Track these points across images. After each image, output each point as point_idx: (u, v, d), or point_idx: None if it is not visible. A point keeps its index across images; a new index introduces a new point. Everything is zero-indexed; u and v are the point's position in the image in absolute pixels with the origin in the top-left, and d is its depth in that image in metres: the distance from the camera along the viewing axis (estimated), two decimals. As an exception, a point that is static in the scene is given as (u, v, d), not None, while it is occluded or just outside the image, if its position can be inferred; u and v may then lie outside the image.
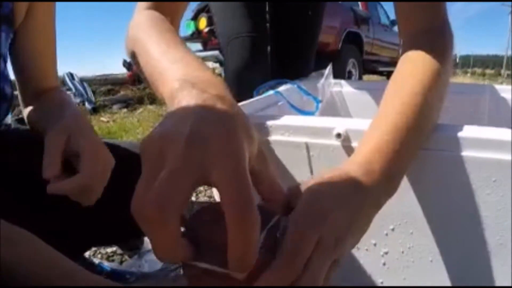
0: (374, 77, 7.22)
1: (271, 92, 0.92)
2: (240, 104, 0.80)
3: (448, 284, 0.59)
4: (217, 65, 5.27)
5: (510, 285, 0.55)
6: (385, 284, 0.63)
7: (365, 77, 6.32)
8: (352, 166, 0.45)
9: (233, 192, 0.30)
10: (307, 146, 0.60)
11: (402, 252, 0.60)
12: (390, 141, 0.48)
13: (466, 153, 0.52)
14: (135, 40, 0.56)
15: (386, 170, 0.46)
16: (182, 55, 0.47)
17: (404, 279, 0.61)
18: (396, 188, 0.48)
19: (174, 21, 0.66)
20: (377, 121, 0.52)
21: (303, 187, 0.41)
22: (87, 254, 1.17)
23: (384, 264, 0.62)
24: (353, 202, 0.41)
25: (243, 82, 1.26)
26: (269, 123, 0.62)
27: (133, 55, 0.57)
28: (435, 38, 0.61)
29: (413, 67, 0.58)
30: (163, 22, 0.59)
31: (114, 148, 0.73)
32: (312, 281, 0.35)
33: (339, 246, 0.38)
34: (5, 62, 0.65)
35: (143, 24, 0.58)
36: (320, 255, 0.36)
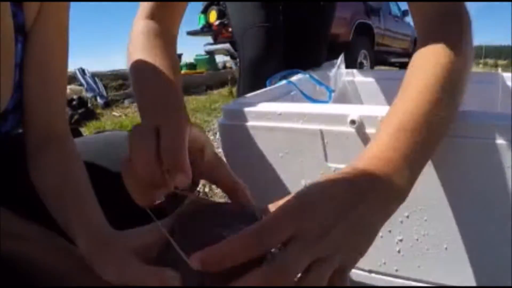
0: (386, 68, 7.17)
1: (283, 82, 0.92)
2: (253, 94, 0.80)
3: (459, 276, 0.59)
4: (228, 58, 5.26)
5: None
6: (399, 272, 0.63)
7: (377, 68, 6.26)
8: (349, 169, 0.42)
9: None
10: (322, 133, 0.60)
11: (417, 239, 0.60)
12: (392, 144, 0.44)
13: (487, 140, 0.52)
14: (128, 58, 0.59)
15: (388, 173, 0.42)
16: (154, 83, 0.52)
17: (419, 266, 0.62)
18: (407, 192, 0.43)
19: (173, 27, 0.68)
20: (385, 121, 0.49)
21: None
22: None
23: (399, 251, 0.62)
24: (341, 198, 0.38)
25: (257, 72, 1.27)
26: (284, 111, 0.63)
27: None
28: (450, 23, 0.57)
29: (425, 62, 0.54)
30: (155, 36, 0.62)
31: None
32: (280, 270, 0.33)
33: (320, 242, 0.35)
34: (21, 72, 0.62)
35: (136, 40, 0.62)
36: (294, 246, 0.34)
